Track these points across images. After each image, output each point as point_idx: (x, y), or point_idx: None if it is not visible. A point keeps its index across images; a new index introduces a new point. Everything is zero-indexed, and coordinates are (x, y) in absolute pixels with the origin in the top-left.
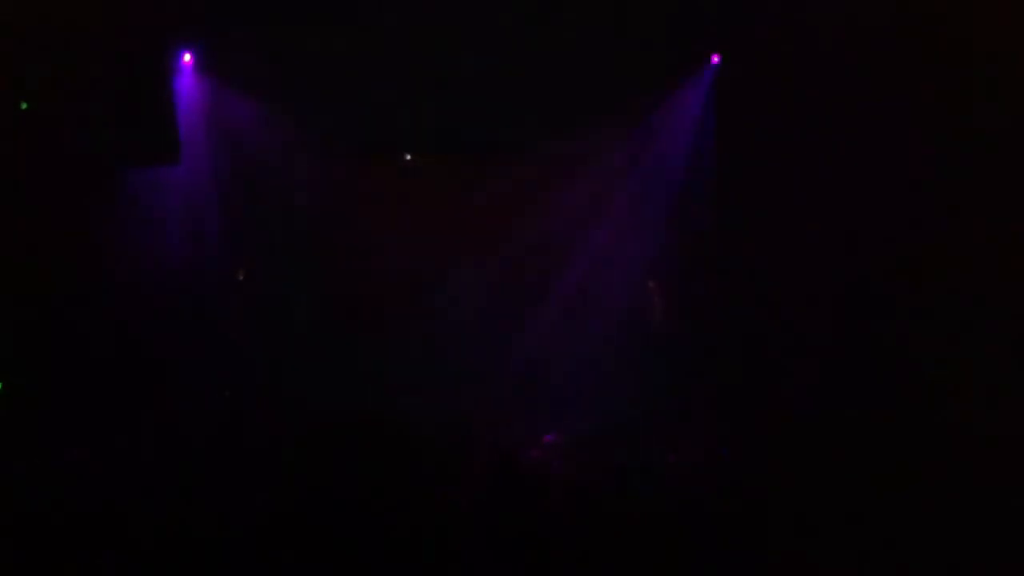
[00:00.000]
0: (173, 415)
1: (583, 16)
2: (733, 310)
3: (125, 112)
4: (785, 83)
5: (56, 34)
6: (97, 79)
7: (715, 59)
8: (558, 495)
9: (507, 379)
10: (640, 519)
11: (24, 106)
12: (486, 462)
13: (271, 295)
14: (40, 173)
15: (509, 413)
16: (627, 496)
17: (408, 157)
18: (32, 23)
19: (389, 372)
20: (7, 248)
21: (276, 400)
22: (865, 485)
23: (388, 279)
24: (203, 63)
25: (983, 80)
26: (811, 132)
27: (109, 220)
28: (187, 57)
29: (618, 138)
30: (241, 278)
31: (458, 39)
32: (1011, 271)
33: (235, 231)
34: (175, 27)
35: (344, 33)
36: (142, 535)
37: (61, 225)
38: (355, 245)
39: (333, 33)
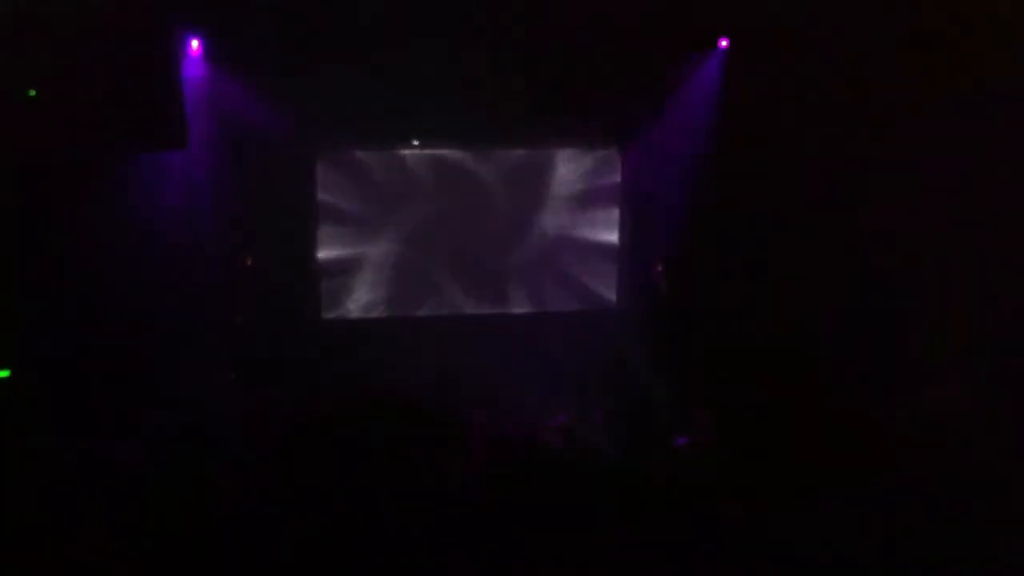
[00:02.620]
0: (178, 400)
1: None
2: (738, 295)
3: (131, 97)
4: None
5: (62, 19)
6: (104, 64)
7: (723, 44)
8: (563, 476)
9: (515, 361)
10: (648, 502)
11: (32, 93)
12: (492, 444)
13: (277, 282)
14: (46, 159)
15: (516, 395)
16: (635, 478)
17: (416, 143)
18: (38, 8)
19: (394, 356)
20: (14, 234)
21: (279, 384)
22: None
23: (391, 267)
24: (210, 49)
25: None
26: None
27: (115, 205)
28: (195, 43)
29: (622, 125)
30: (249, 264)
31: (467, 22)
32: None
33: (241, 217)
34: (182, 13)
35: (353, 20)
36: (145, 526)
37: (67, 210)
38: (360, 234)
39: (342, 21)
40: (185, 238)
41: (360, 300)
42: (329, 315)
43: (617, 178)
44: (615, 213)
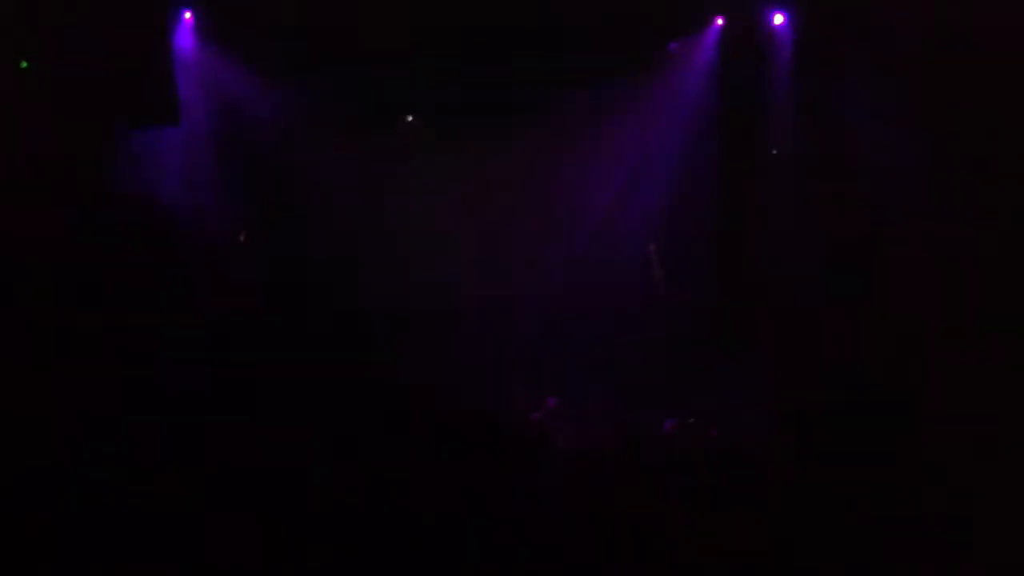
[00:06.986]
0: (170, 377)
1: None
2: (736, 277)
3: (124, 71)
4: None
5: None
6: (97, 38)
7: (719, 21)
8: (557, 457)
9: (513, 343)
10: (639, 484)
11: (24, 64)
12: (487, 424)
13: (272, 257)
14: (38, 132)
15: (513, 377)
16: (627, 460)
17: (410, 119)
18: None
19: (392, 335)
20: (6, 213)
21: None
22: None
23: (390, 245)
24: (202, 23)
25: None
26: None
27: (108, 180)
28: (187, 16)
29: (619, 99)
30: (243, 240)
31: None
32: None
33: (235, 193)
34: None
35: None
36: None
37: (60, 187)
38: (358, 210)
39: None
40: (179, 214)
41: (353, 284)
42: (323, 299)
43: (615, 155)
44: (610, 193)
